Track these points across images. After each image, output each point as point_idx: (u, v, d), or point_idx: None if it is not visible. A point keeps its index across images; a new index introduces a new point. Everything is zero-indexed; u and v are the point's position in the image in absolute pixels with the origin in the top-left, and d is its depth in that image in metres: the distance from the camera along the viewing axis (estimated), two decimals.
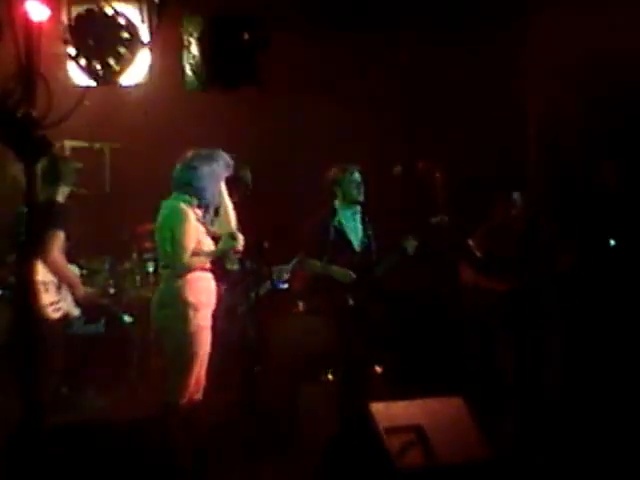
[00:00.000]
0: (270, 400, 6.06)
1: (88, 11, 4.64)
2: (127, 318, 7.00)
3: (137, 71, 4.85)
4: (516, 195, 6.68)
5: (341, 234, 6.54)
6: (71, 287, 6.21)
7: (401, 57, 7.64)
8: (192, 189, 5.35)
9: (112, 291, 7.20)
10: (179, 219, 5.29)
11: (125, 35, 4.67)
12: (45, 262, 6.03)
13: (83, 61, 4.67)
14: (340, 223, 6.56)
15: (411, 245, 6.46)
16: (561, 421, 6.15)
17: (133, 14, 4.93)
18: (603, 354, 6.35)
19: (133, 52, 4.70)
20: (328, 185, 6.58)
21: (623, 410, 6.07)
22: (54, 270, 6.08)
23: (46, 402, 5.22)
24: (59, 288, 6.19)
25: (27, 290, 3.96)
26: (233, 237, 5.42)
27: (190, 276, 5.28)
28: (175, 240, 5.28)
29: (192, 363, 5.26)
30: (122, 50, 4.64)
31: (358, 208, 6.60)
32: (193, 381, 5.30)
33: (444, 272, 6.75)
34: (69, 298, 6.23)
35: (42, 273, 6.06)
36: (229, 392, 6.04)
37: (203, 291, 5.33)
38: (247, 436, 5.33)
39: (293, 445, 6.19)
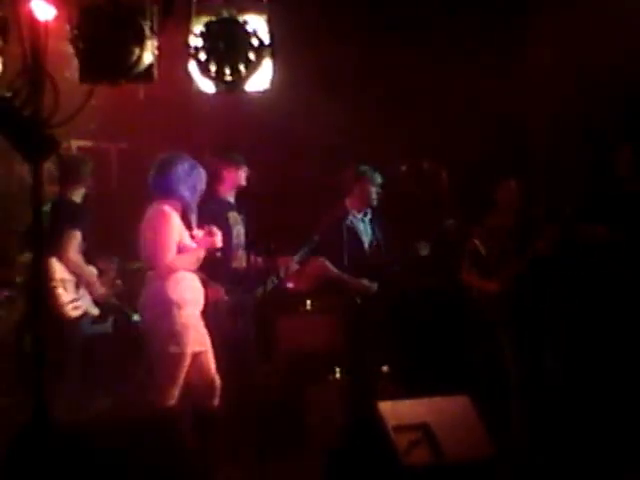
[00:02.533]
0: (277, 399, 6.07)
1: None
2: (135, 317, 7.01)
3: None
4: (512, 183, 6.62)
5: (353, 235, 6.56)
6: (89, 286, 6.24)
7: (404, 57, 7.63)
8: (168, 193, 5.40)
9: (120, 290, 7.24)
10: (161, 220, 5.35)
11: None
12: (62, 261, 6.07)
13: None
14: (352, 223, 6.58)
15: (424, 248, 6.48)
16: (563, 419, 6.15)
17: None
18: (604, 351, 6.36)
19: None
20: (347, 184, 6.59)
21: (625, 408, 6.07)
22: (72, 269, 6.13)
23: (62, 402, 5.27)
24: (78, 287, 6.23)
25: (40, 290, 3.98)
26: (210, 233, 5.45)
27: (173, 276, 5.32)
28: (157, 241, 5.32)
29: (179, 362, 5.28)
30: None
31: (368, 208, 6.62)
32: (180, 382, 5.31)
33: (451, 273, 6.75)
34: (87, 297, 6.27)
35: (60, 271, 6.12)
36: (236, 392, 6.03)
37: (187, 289, 5.36)
38: (254, 435, 5.33)
39: (300, 444, 6.20)
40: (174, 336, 5.27)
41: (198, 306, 5.42)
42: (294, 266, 6.32)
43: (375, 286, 6.49)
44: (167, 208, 5.37)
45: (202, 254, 5.45)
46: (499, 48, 7.54)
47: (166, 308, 5.30)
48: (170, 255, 5.30)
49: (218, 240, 5.48)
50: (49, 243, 6.00)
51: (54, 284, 6.04)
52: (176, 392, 5.31)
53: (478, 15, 7.45)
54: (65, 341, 5.96)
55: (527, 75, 7.67)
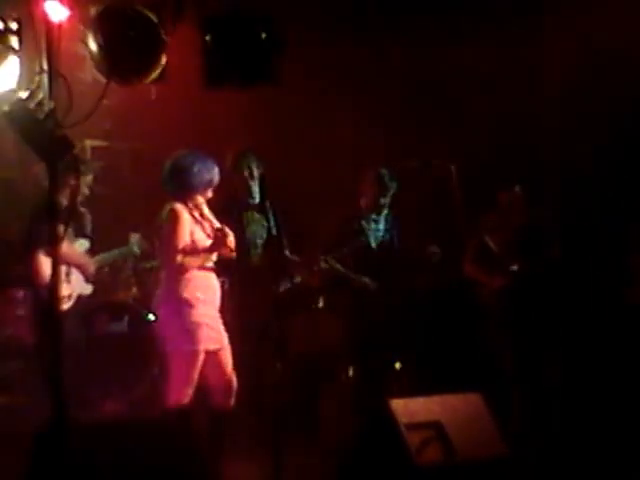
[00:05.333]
0: (291, 398, 6.08)
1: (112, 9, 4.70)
2: (150, 316, 7.05)
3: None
4: (517, 188, 6.67)
5: (360, 235, 6.56)
6: (80, 268, 6.26)
7: (419, 57, 7.64)
8: (179, 190, 5.42)
9: (135, 290, 7.28)
10: (171, 220, 5.36)
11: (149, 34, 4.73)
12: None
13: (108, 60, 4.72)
14: (360, 224, 6.58)
15: (435, 255, 6.49)
16: (568, 417, 6.16)
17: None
18: (603, 351, 6.39)
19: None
20: (363, 185, 6.60)
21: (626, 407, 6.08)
22: (63, 261, 6.09)
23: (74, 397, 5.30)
24: (68, 275, 6.27)
25: (54, 288, 4.01)
26: (223, 234, 5.44)
27: (185, 274, 5.34)
28: (166, 241, 5.36)
29: (192, 360, 5.30)
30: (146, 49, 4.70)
31: (384, 208, 6.63)
32: (194, 380, 5.33)
33: (461, 270, 6.76)
34: (79, 278, 6.27)
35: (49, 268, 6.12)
36: (250, 390, 6.05)
37: (199, 288, 5.36)
38: (269, 434, 5.34)
39: (314, 442, 6.22)
40: (186, 334, 5.29)
41: (212, 304, 5.42)
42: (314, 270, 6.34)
43: (374, 285, 6.48)
44: (178, 207, 5.39)
45: (213, 254, 5.43)
46: (515, 47, 7.53)
47: (177, 307, 5.33)
48: (179, 255, 5.32)
49: (230, 241, 5.46)
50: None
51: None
52: (190, 390, 5.31)
53: (494, 13, 7.44)
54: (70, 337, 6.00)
55: (542, 74, 7.67)
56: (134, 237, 6.69)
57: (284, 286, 6.27)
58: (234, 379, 5.48)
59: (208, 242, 5.43)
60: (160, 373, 6.73)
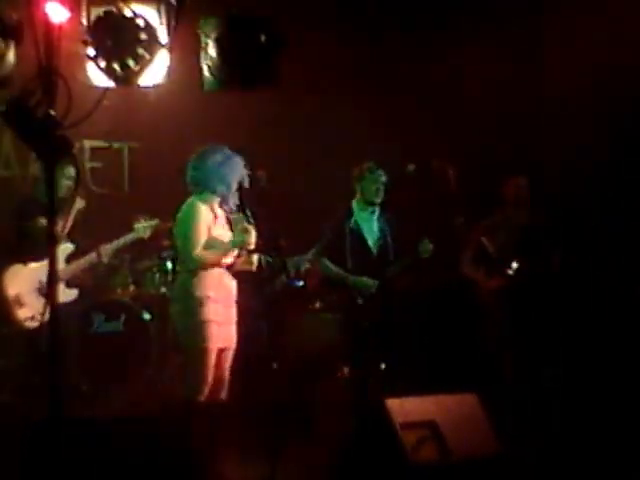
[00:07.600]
0: (287, 397, 6.10)
1: (107, 13, 4.73)
2: (146, 315, 7.09)
3: (155, 72, 4.91)
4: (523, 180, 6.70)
5: (357, 235, 6.57)
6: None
7: (416, 56, 7.66)
8: (202, 186, 5.43)
9: (131, 289, 7.31)
10: (190, 214, 5.38)
11: (143, 36, 4.74)
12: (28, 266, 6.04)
13: (102, 62, 4.74)
14: (357, 223, 6.59)
15: (426, 248, 6.47)
16: (567, 417, 6.18)
17: (151, 15, 5.00)
18: (603, 352, 6.41)
19: (151, 53, 4.77)
20: (354, 182, 6.62)
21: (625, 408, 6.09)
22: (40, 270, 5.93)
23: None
24: (41, 290, 6.18)
25: (53, 287, 4.04)
26: (245, 230, 5.44)
27: (200, 271, 5.35)
28: (186, 235, 5.37)
29: (203, 358, 5.30)
30: (140, 51, 4.72)
31: (376, 207, 6.64)
32: (210, 377, 5.35)
33: (457, 271, 6.78)
34: (60, 288, 6.19)
35: (14, 285, 6.09)
36: (246, 389, 6.08)
37: (211, 286, 5.36)
38: (264, 432, 5.37)
39: (309, 441, 6.24)
40: (195, 331, 5.30)
41: (224, 302, 5.41)
42: (305, 265, 6.34)
43: (375, 284, 6.51)
44: (196, 202, 5.40)
45: (232, 251, 5.42)
46: (514, 46, 7.56)
47: (188, 304, 5.35)
48: (197, 249, 5.33)
49: (252, 239, 5.38)
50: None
51: (9, 303, 6.05)
52: (205, 387, 5.32)
53: (493, 15, 7.47)
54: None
55: (542, 72, 7.68)
56: (140, 223, 6.61)
57: (280, 284, 6.27)
58: (227, 375, 5.48)
59: (227, 238, 5.42)
60: (155, 371, 6.80)
